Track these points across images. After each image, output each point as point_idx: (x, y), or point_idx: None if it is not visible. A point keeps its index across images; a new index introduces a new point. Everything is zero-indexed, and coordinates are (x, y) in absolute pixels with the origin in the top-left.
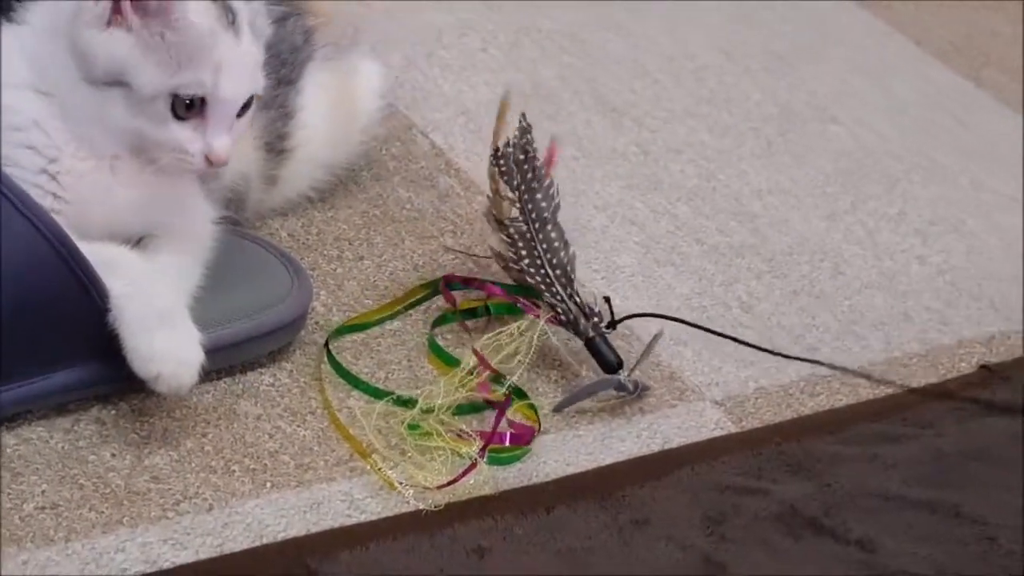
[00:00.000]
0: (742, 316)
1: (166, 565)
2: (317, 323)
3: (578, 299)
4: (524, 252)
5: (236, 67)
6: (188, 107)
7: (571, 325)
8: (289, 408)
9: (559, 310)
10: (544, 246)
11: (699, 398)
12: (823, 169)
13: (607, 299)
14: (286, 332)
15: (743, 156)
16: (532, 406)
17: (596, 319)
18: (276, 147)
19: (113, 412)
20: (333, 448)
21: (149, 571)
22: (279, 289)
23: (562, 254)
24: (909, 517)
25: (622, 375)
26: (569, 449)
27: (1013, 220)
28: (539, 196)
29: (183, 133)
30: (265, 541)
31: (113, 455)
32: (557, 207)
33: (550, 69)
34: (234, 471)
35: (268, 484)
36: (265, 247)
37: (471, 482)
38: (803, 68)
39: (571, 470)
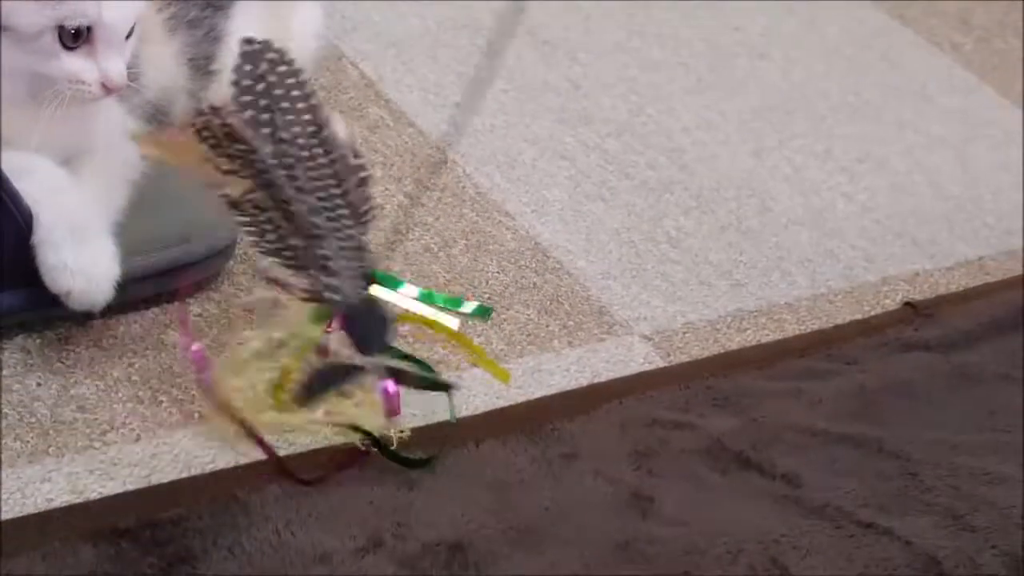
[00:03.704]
0: (670, 251)
1: (93, 496)
2: (245, 253)
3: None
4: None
5: None
6: (75, 36)
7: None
8: (217, 339)
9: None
10: (284, 213)
11: (628, 332)
12: (751, 105)
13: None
14: (215, 261)
15: (673, 92)
16: None
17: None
18: (202, 66)
19: (38, 340)
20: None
21: (76, 501)
22: (207, 218)
23: (302, 221)
24: (833, 452)
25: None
26: (498, 383)
27: (937, 159)
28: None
29: (76, 63)
30: (193, 472)
31: (39, 384)
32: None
33: (480, 2)
34: (162, 402)
35: (196, 415)
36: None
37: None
38: (732, 4)
39: (501, 403)
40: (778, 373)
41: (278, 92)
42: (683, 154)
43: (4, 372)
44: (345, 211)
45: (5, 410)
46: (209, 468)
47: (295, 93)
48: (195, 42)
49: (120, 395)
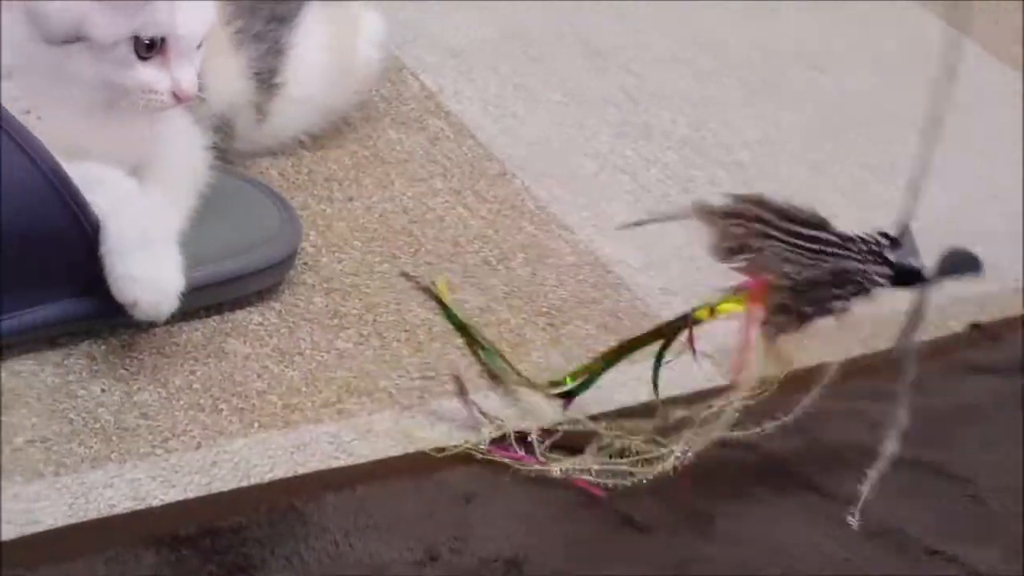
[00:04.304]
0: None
1: (154, 503)
2: (306, 263)
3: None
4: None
5: (191, 4)
6: (149, 47)
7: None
8: (278, 348)
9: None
10: None
11: (687, 349)
12: (809, 117)
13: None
14: (275, 271)
15: (729, 103)
16: None
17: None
18: (266, 80)
19: (103, 347)
20: (320, 389)
21: (137, 507)
22: (269, 228)
23: None
24: (896, 474)
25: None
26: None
27: (1003, 176)
28: None
29: (149, 73)
30: (252, 481)
31: (103, 390)
32: None
33: (539, 12)
34: (222, 410)
35: (256, 424)
36: (255, 186)
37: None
38: (787, 13)
39: (559, 418)
40: (841, 393)
41: None
42: (743, 168)
43: (70, 378)
44: None
45: (71, 416)
46: (268, 477)
47: None
48: (260, 55)
49: (181, 402)
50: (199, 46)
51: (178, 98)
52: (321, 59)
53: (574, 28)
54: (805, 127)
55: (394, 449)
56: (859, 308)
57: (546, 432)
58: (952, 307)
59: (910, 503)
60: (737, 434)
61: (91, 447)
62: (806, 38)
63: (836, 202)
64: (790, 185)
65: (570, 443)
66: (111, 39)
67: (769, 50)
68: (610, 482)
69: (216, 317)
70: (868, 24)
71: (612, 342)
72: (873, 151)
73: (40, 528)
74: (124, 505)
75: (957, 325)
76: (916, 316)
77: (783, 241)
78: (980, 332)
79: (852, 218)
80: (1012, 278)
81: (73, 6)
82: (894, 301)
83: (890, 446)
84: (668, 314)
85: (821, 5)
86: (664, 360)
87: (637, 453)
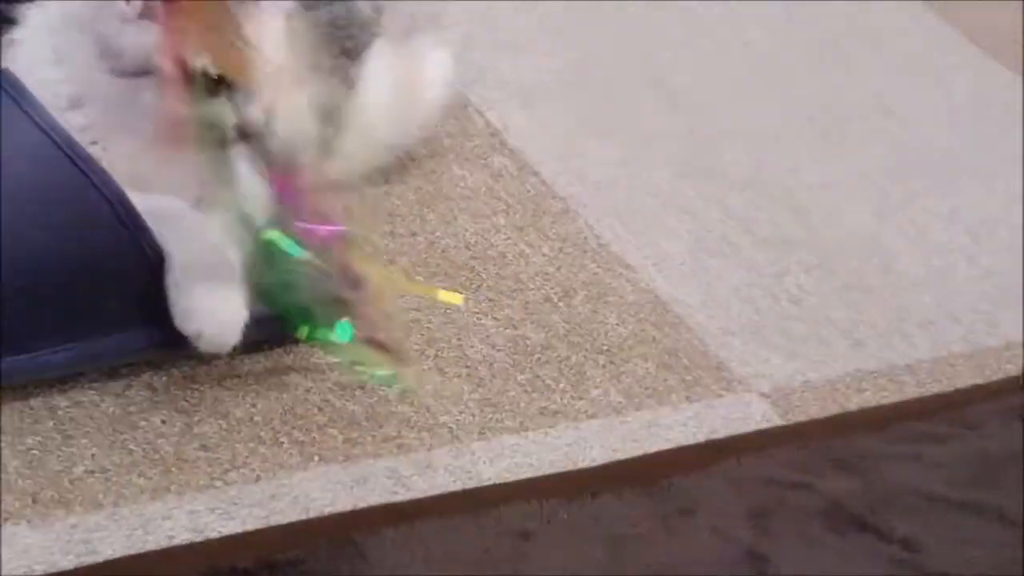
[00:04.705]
0: (791, 308)
1: (213, 535)
2: None
3: None
4: None
5: (260, 42)
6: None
7: None
8: (339, 382)
9: None
10: None
11: (746, 389)
12: (875, 164)
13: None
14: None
15: (795, 147)
16: None
17: None
18: (333, 116)
19: (164, 378)
20: (381, 424)
21: (196, 540)
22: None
23: None
24: (952, 518)
25: None
26: (615, 436)
27: None
28: None
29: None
30: (311, 514)
31: (163, 421)
32: None
33: (607, 50)
34: (282, 443)
35: (316, 457)
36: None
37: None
38: (858, 61)
39: (617, 456)
40: (897, 436)
41: None
42: (806, 211)
43: (131, 409)
44: None
45: (131, 447)
46: (327, 510)
47: None
48: (328, 91)
49: (242, 435)
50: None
51: (244, 133)
52: (387, 95)
53: (645, 67)
54: (870, 173)
55: (453, 485)
56: (912, 353)
57: None
58: (1007, 351)
59: (966, 546)
60: (793, 475)
61: (151, 478)
62: (877, 86)
63: (901, 249)
64: (853, 230)
65: None
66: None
67: (839, 96)
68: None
69: (278, 350)
70: (937, 73)
71: (671, 381)
72: (938, 199)
73: (98, 559)
74: (183, 537)
75: (1013, 369)
76: None
77: None
78: None
79: (916, 264)
80: None
81: (148, 40)
82: (948, 346)
83: None
84: (726, 354)
85: (893, 56)
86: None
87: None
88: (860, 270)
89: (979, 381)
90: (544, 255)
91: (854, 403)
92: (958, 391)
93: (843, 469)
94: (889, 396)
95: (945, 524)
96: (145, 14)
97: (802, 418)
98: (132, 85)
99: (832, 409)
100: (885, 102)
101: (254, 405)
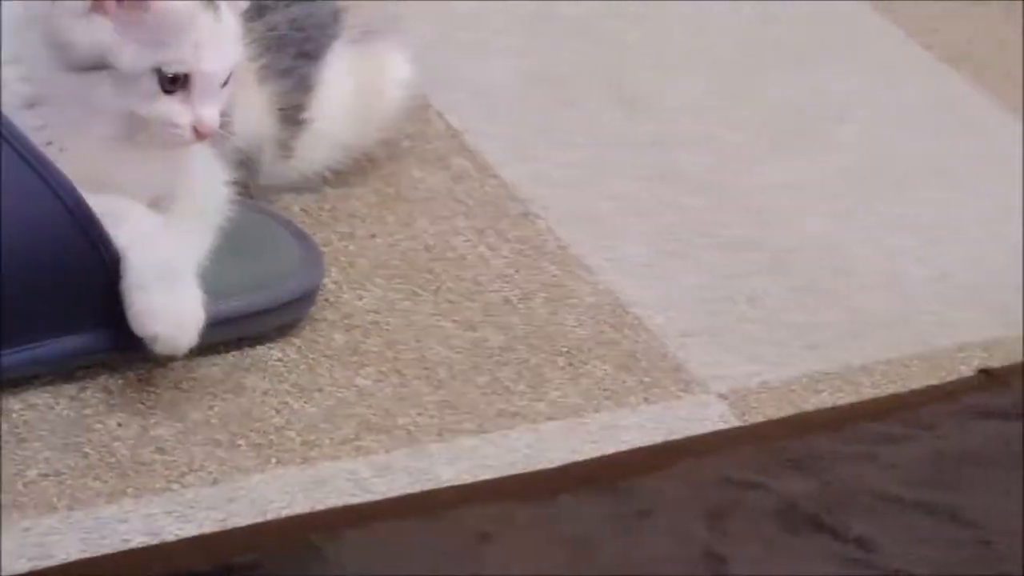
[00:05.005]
0: (748, 311)
1: (169, 538)
2: (327, 299)
3: None
4: None
5: (216, 42)
6: (173, 81)
7: None
8: (297, 384)
9: None
10: None
11: (704, 391)
12: (831, 168)
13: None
14: (297, 307)
15: (753, 151)
16: None
17: None
18: (292, 116)
19: (120, 381)
20: (339, 426)
21: (152, 543)
22: (291, 263)
23: None
24: (907, 518)
25: None
26: (574, 437)
27: (1014, 228)
28: None
29: (172, 107)
30: (269, 517)
31: (119, 424)
32: None
33: (567, 55)
34: (239, 445)
35: (273, 460)
36: (278, 221)
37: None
38: (816, 67)
39: (576, 458)
40: (852, 436)
41: None
42: (763, 214)
43: (86, 411)
44: None
45: (86, 450)
46: (285, 513)
47: None
48: (286, 91)
49: (199, 438)
50: (226, 83)
51: (199, 134)
52: (346, 96)
53: (605, 72)
54: (827, 177)
55: (412, 487)
56: (867, 355)
57: None
58: (961, 352)
59: (921, 546)
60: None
61: (106, 481)
62: (834, 91)
63: (856, 251)
64: (809, 232)
65: None
66: (135, 70)
67: (796, 102)
68: None
69: (235, 352)
70: (894, 80)
71: (630, 382)
72: (892, 202)
73: (53, 562)
74: (139, 540)
75: (967, 370)
76: None
77: None
78: (989, 377)
79: (871, 267)
80: (1021, 325)
81: (99, 34)
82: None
83: None
84: (684, 355)
85: (850, 62)
86: None
87: None
88: (816, 272)
89: (933, 382)
90: (504, 257)
91: (810, 404)
92: (913, 392)
93: (799, 470)
94: (845, 397)
95: (900, 524)
96: (96, 9)
97: (759, 419)
98: (86, 82)
99: (788, 410)
100: (841, 107)
101: (211, 408)
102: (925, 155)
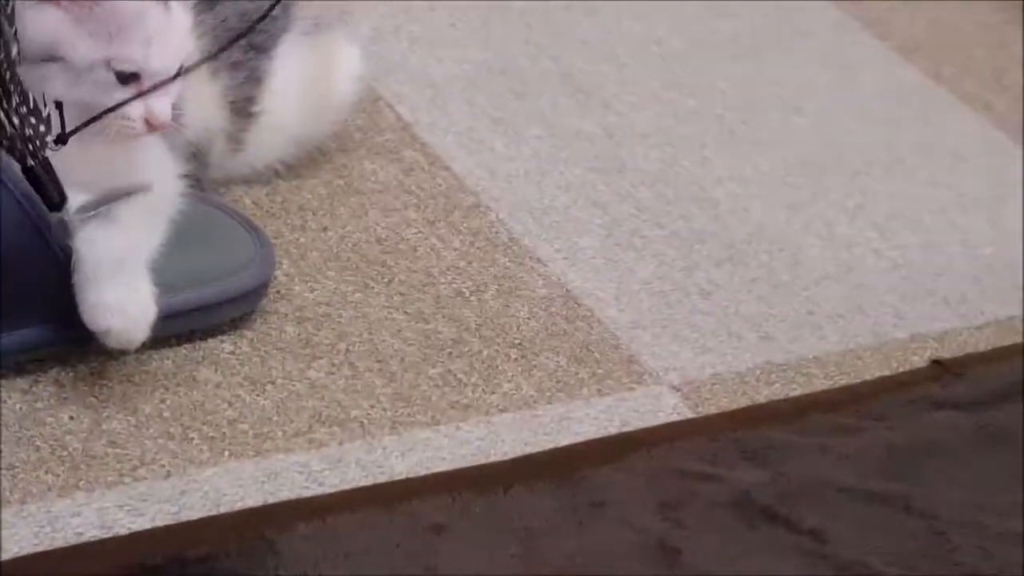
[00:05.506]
0: (700, 302)
1: (122, 531)
2: (279, 292)
3: (16, 116)
4: None
5: (167, 38)
6: (125, 74)
7: (8, 148)
8: (249, 377)
9: None
10: None
11: (656, 382)
12: (785, 159)
13: (59, 104)
14: (248, 299)
15: (707, 143)
16: None
17: (38, 141)
18: (243, 109)
19: (72, 374)
20: (292, 419)
21: (104, 536)
22: (242, 256)
23: (0, 56)
24: (861, 509)
25: (66, 214)
26: (527, 429)
27: (969, 218)
28: None
29: (126, 98)
30: (222, 510)
31: (71, 418)
32: None
33: (519, 47)
34: (192, 438)
35: (226, 453)
36: (229, 214)
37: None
38: (770, 59)
39: (529, 450)
40: (806, 428)
41: None
42: (716, 206)
43: (38, 405)
44: None
45: (38, 443)
46: (238, 506)
47: None
48: (237, 84)
49: (151, 431)
50: (178, 75)
51: (151, 126)
52: (297, 89)
53: (557, 65)
54: (781, 168)
55: (365, 479)
56: (820, 346)
57: None
58: (914, 343)
59: (874, 536)
60: (704, 467)
61: (58, 475)
62: (787, 83)
63: (810, 243)
64: (763, 224)
65: None
66: (86, 62)
67: (750, 93)
68: None
69: (187, 345)
70: (847, 72)
71: (583, 374)
72: (846, 194)
73: (5, 556)
74: (91, 534)
75: (919, 361)
76: None
77: None
78: (942, 368)
79: (825, 258)
80: (974, 314)
81: (50, 24)
82: (856, 339)
83: None
84: (637, 347)
85: (803, 53)
86: None
87: None
88: (769, 264)
89: (886, 373)
90: (455, 249)
91: (763, 395)
92: (865, 383)
93: (753, 461)
94: (798, 388)
95: (853, 515)
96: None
97: (712, 410)
98: (40, 73)
99: (742, 401)
100: (794, 98)
101: (163, 401)
102: (879, 146)
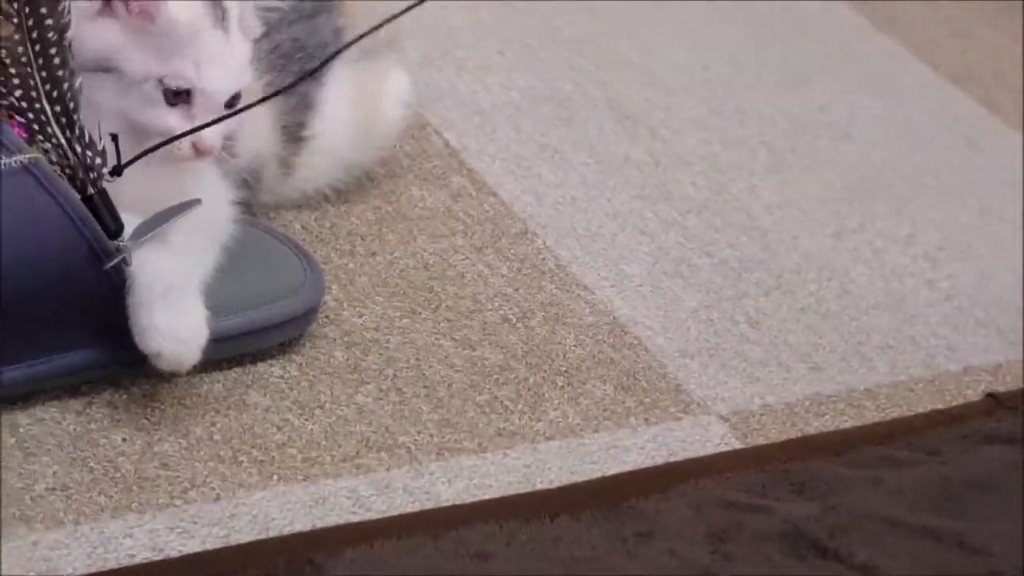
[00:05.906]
0: (749, 331)
1: (172, 553)
2: (328, 317)
3: (79, 145)
4: (17, 81)
5: (222, 62)
6: (176, 94)
7: (70, 177)
8: (298, 401)
9: (53, 157)
10: (43, 74)
11: (705, 412)
12: (833, 186)
13: (114, 137)
14: (298, 324)
15: (754, 169)
16: None
17: (95, 172)
18: (294, 133)
19: (125, 396)
20: (340, 444)
21: (155, 558)
22: (292, 281)
23: (66, 86)
24: (913, 544)
25: (121, 243)
26: (574, 457)
27: (1021, 248)
28: (43, 10)
29: (172, 119)
30: (270, 534)
31: (124, 439)
32: (67, 26)
33: (566, 74)
34: (242, 462)
35: (275, 477)
36: (279, 239)
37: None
38: (816, 85)
39: (575, 478)
40: (856, 460)
41: None
42: (764, 234)
43: (92, 426)
44: None
45: (91, 464)
46: (286, 530)
47: None
48: (288, 109)
49: (202, 454)
50: (233, 103)
51: (198, 152)
52: (348, 114)
53: (603, 91)
54: (829, 196)
55: (412, 505)
56: (871, 378)
57: None
58: (967, 375)
59: (928, 573)
60: (752, 499)
61: (111, 496)
62: (835, 109)
63: (859, 272)
64: (811, 252)
65: None
66: (139, 75)
67: (797, 119)
68: None
69: (237, 369)
70: (897, 98)
71: (630, 403)
72: (895, 222)
73: None
74: (143, 555)
75: (973, 394)
76: None
77: None
78: (996, 402)
79: (874, 287)
80: None
81: (107, 37)
82: (908, 371)
83: None
84: (684, 376)
85: (851, 80)
86: None
87: None
88: (818, 293)
89: (939, 406)
90: (502, 276)
91: (813, 427)
92: (918, 416)
93: (802, 493)
94: (848, 420)
95: (905, 550)
96: (106, 12)
97: (761, 441)
98: (91, 83)
99: (791, 433)
100: (843, 125)
101: (214, 424)
102: (929, 173)
